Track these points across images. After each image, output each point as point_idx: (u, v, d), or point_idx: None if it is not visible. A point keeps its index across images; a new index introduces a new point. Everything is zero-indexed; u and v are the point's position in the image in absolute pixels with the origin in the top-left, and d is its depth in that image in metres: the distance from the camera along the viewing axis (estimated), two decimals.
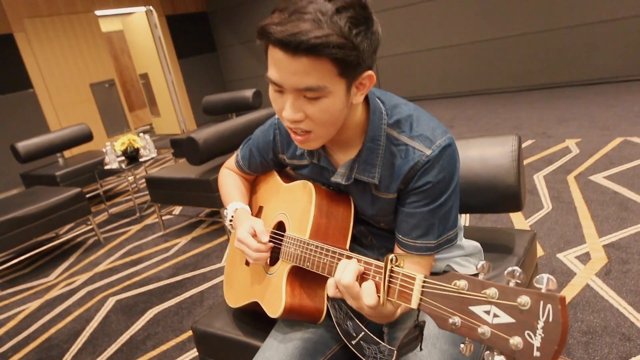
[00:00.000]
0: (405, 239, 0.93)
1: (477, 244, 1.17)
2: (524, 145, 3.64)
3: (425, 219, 0.90)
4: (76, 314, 2.50)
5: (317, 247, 0.91)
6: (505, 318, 0.54)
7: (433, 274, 1.05)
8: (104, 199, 4.55)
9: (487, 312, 0.56)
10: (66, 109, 6.29)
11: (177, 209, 3.89)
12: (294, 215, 1.05)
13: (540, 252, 2.14)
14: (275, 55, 0.77)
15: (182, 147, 4.48)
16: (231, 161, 1.31)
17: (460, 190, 1.33)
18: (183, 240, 3.21)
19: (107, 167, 3.87)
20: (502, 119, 4.57)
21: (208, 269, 2.71)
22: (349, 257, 0.82)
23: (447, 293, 0.62)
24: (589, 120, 3.91)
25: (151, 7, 7.20)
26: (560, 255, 2.09)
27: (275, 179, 1.21)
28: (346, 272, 0.76)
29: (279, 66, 0.78)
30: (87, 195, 3.67)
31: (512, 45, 5.38)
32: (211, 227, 3.33)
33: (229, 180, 1.29)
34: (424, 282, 0.66)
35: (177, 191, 3.20)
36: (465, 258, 1.12)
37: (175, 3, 7.51)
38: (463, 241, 1.13)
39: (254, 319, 1.27)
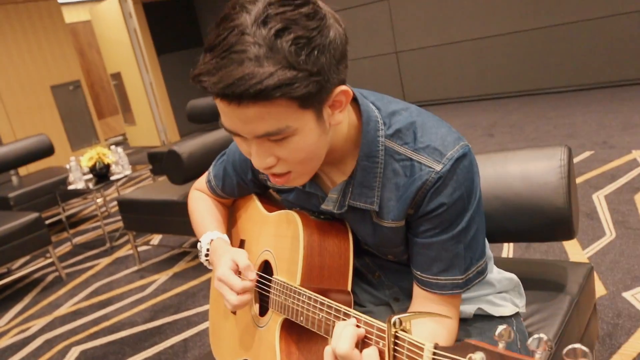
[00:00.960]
0: (425, 275, 0.93)
1: (513, 276, 1.17)
2: (580, 157, 3.66)
3: (447, 249, 0.91)
4: None
5: (309, 298, 0.91)
6: None
7: (462, 320, 1.06)
8: (67, 226, 4.59)
9: None
10: (22, 117, 6.46)
11: (156, 238, 3.93)
12: (281, 253, 1.06)
13: (601, 290, 2.14)
14: (220, 105, 0.79)
15: (162, 162, 4.54)
16: (202, 181, 1.33)
17: (499, 214, 1.34)
18: (163, 277, 3.25)
19: (71, 187, 3.95)
20: (552, 125, 4.59)
21: (193, 311, 2.74)
22: (347, 316, 0.82)
23: None
24: None
25: None
26: (627, 295, 2.09)
27: (256, 205, 1.22)
28: (343, 339, 0.76)
29: (229, 116, 0.80)
30: (47, 222, 3.73)
31: (566, 36, 5.42)
32: (197, 261, 3.36)
33: (202, 205, 1.30)
34: (435, 353, 0.66)
35: (156, 216, 3.26)
36: (500, 295, 1.13)
37: None
38: (494, 273, 1.14)
39: None
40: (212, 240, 1.17)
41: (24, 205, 4.20)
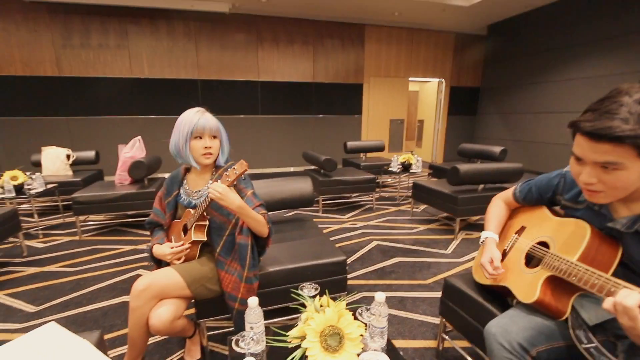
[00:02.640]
0: None
1: None
2: None
3: None
4: (355, 241, 2.81)
5: (587, 269, 0.80)
6: None
7: None
8: (380, 185, 4.96)
9: None
10: (373, 130, 6.94)
11: (423, 207, 3.90)
12: (561, 240, 0.95)
13: None
14: (581, 140, 0.74)
15: (437, 170, 4.49)
16: (507, 193, 1.25)
17: None
18: (422, 227, 3.22)
19: (389, 169, 4.16)
20: None
21: (436, 250, 2.67)
22: (628, 288, 0.70)
23: None
24: None
25: (443, 79, 7.27)
26: None
27: (544, 210, 1.10)
28: (630, 297, 0.66)
29: (583, 147, 0.74)
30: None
31: None
32: (443, 227, 3.23)
33: (495, 211, 1.24)
34: None
35: (431, 196, 3.21)
36: None
37: (460, 79, 7.37)
38: None
39: (488, 295, 1.22)
40: (487, 237, 1.15)
41: (366, 170, 4.49)
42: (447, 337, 1.47)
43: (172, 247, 1.30)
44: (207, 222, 1.31)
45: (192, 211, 1.32)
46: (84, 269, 2.33)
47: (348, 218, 3.43)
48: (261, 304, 1.45)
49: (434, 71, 7.19)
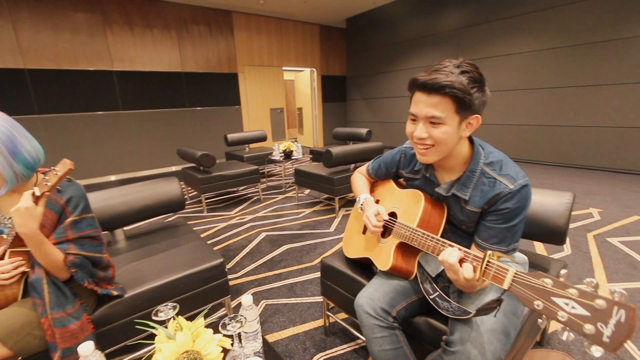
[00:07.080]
0: (484, 243, 0.88)
1: (525, 257, 1.07)
2: None
3: (501, 232, 0.86)
4: (243, 236, 2.69)
5: (424, 234, 0.90)
6: (581, 311, 0.50)
7: None
8: (266, 175, 4.88)
9: (567, 304, 0.53)
10: (255, 121, 6.77)
11: (307, 191, 4.00)
12: (405, 209, 1.04)
13: None
14: (417, 97, 0.82)
15: (317, 154, 4.66)
16: (362, 169, 1.33)
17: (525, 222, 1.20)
18: (308, 211, 3.30)
19: (272, 158, 4.13)
20: (539, 182, 4.05)
21: (320, 231, 2.77)
22: (451, 246, 0.80)
23: (534, 285, 0.58)
24: (612, 198, 3.30)
25: (314, 69, 7.56)
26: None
27: (392, 184, 1.21)
28: (452, 255, 0.75)
29: (419, 103, 0.82)
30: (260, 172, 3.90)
31: (561, 132, 4.74)
32: (326, 207, 3.39)
33: (360, 180, 1.31)
34: (516, 273, 0.62)
35: (312, 180, 3.31)
36: (517, 266, 1.03)
37: (329, 68, 7.82)
38: (517, 253, 1.04)
39: (358, 267, 1.29)
40: (366, 198, 1.16)
41: (250, 162, 4.41)
42: (330, 314, 1.51)
43: None
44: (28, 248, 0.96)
45: (4, 235, 0.97)
46: None
47: (235, 213, 3.27)
48: (117, 340, 1.17)
49: (304, 61, 7.40)
